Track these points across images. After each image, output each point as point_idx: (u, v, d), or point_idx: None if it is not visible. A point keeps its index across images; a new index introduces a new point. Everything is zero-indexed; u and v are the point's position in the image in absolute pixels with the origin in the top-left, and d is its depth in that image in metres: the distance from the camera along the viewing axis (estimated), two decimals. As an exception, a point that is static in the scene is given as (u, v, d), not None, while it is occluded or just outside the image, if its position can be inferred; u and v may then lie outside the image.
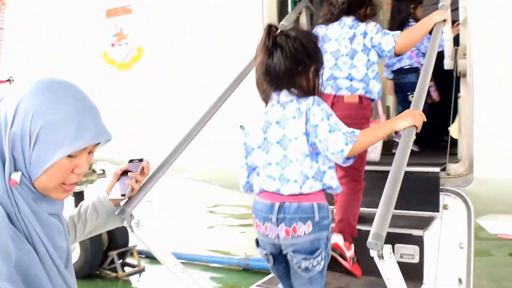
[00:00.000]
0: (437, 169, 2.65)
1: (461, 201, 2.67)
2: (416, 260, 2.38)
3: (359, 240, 2.45)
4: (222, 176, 3.59)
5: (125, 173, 1.73)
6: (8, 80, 4.21)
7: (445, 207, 2.70)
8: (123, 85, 3.43)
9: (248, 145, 1.91)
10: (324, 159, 1.78)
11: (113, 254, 5.05)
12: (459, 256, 2.61)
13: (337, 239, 2.36)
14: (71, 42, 3.65)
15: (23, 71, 4.09)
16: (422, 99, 1.89)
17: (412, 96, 1.93)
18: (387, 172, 2.73)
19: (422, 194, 2.68)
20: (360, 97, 2.48)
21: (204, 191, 6.52)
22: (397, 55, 2.41)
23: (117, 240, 5.26)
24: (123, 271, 5.03)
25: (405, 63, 3.82)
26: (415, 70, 3.74)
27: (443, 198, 2.70)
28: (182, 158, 3.41)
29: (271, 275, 2.43)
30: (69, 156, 1.15)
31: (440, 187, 2.72)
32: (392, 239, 2.37)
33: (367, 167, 2.79)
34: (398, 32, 2.39)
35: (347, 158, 1.72)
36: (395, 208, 2.66)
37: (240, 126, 3.15)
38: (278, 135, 1.81)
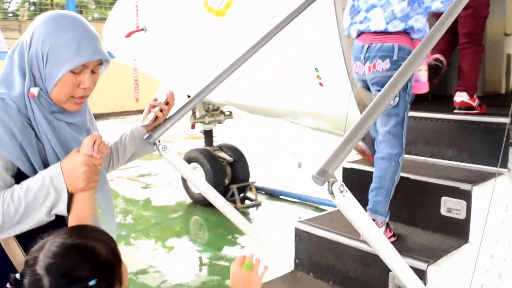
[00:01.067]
0: (505, 120, 2.28)
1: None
2: (462, 216, 2.15)
3: (414, 190, 2.31)
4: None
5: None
6: (143, 29, 4.72)
7: (519, 165, 2.35)
8: (220, 30, 3.60)
9: None
10: (417, 6, 2.03)
11: (234, 187, 5.47)
12: (525, 219, 2.28)
13: (462, 96, 2.61)
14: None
15: (152, 21, 4.54)
16: None
17: None
18: (456, 121, 2.49)
19: (488, 147, 2.35)
20: None
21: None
22: None
23: (238, 175, 5.65)
24: (242, 203, 5.42)
25: None
26: None
27: (519, 154, 2.34)
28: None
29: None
30: (73, 72, 1.39)
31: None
32: (439, 191, 2.22)
33: (432, 115, 2.55)
34: None
35: None
36: (454, 160, 2.45)
37: (315, 68, 3.13)
38: None
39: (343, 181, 2.58)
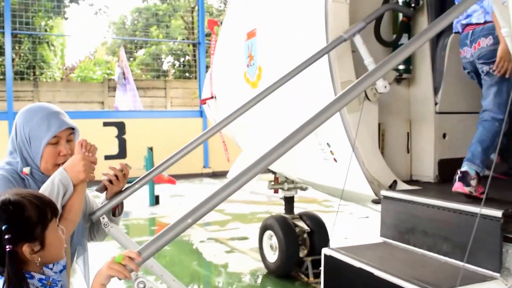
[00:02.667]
0: (498, 213, 2.05)
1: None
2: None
3: None
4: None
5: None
6: (213, 97, 5.23)
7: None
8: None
9: None
10: None
11: (308, 260, 5.47)
12: None
13: None
14: (233, 64, 4.32)
15: (218, 89, 5.02)
16: None
17: None
18: (451, 210, 2.33)
19: (483, 244, 2.12)
20: None
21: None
22: None
23: (315, 246, 5.64)
24: (314, 277, 5.38)
25: None
26: None
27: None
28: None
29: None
30: (51, 144, 1.94)
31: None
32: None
33: (427, 201, 2.42)
34: None
35: None
36: (449, 256, 2.26)
37: (327, 143, 3.20)
38: None
39: (324, 268, 2.59)
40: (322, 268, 2.61)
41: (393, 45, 3.08)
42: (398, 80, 3.28)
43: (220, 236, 7.50)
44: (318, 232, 5.75)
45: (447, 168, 3.09)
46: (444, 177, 3.09)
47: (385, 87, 2.76)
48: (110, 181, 2.17)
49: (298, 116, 3.29)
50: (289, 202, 6.00)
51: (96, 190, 2.21)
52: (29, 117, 1.95)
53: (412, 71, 3.24)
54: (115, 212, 2.27)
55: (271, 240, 5.85)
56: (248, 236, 7.43)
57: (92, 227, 2.26)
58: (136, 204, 9.95)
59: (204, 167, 13.57)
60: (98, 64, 19.62)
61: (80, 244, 2.13)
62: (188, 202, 9.95)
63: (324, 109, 1.89)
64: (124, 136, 12.82)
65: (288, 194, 5.98)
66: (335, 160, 3.08)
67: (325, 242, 5.72)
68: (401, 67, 3.17)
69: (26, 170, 1.92)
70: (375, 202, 2.84)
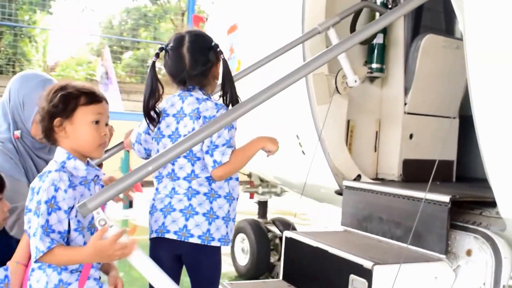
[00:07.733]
0: (446, 198, 2.27)
1: (489, 248, 2.22)
2: (363, 298, 2.18)
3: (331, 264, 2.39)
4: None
5: None
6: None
7: (468, 253, 2.30)
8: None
9: None
10: None
11: (279, 265, 5.63)
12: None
13: None
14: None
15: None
16: None
17: None
18: (404, 196, 2.54)
19: (431, 229, 2.34)
20: None
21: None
22: None
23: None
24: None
25: None
26: None
27: (470, 240, 2.30)
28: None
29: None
30: None
31: (467, 225, 2.33)
32: (348, 267, 2.28)
33: (383, 189, 2.62)
34: None
35: None
36: (402, 241, 2.46)
37: (296, 135, 3.40)
38: None
39: (284, 249, 2.78)
40: (283, 249, 2.80)
41: (367, 43, 3.31)
42: (372, 79, 3.51)
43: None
44: (290, 238, 5.93)
45: (411, 168, 3.32)
46: (407, 177, 3.30)
47: (355, 81, 2.99)
48: None
49: (274, 108, 3.49)
50: (263, 206, 6.17)
51: None
52: (24, 83, 2.13)
53: (385, 71, 3.47)
54: None
55: (243, 244, 6.01)
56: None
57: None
58: (109, 205, 10.01)
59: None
60: (81, 64, 19.71)
61: None
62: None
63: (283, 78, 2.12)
64: (102, 137, 12.84)
65: (262, 198, 6.17)
66: (303, 152, 3.28)
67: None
68: (375, 66, 3.39)
69: (17, 133, 2.11)
70: (338, 193, 3.04)
